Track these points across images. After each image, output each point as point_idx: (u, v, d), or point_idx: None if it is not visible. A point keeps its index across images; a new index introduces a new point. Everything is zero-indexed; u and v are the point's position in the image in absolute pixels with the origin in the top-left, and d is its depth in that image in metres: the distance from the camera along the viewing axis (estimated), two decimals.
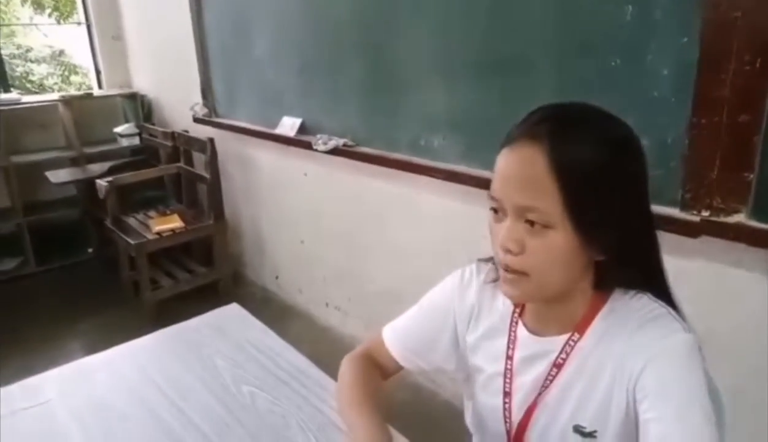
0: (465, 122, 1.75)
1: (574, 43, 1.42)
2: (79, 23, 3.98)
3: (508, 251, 0.69)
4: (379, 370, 0.97)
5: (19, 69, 5.03)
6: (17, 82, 3.76)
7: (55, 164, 3.44)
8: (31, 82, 5.66)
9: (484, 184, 1.62)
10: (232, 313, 1.33)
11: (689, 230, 1.23)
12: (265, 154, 2.82)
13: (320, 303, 2.73)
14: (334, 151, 2.22)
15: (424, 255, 2.07)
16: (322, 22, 2.20)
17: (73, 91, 3.74)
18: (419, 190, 2.00)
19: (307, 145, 2.33)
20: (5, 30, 3.67)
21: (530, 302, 0.79)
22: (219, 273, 3.09)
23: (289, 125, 2.47)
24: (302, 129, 2.42)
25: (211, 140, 2.90)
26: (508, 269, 0.70)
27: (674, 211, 1.26)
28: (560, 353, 0.75)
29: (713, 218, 1.21)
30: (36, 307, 3.18)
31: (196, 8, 2.90)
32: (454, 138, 1.80)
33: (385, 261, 2.29)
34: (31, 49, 5.75)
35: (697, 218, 1.23)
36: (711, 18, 1.14)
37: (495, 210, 0.71)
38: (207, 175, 2.94)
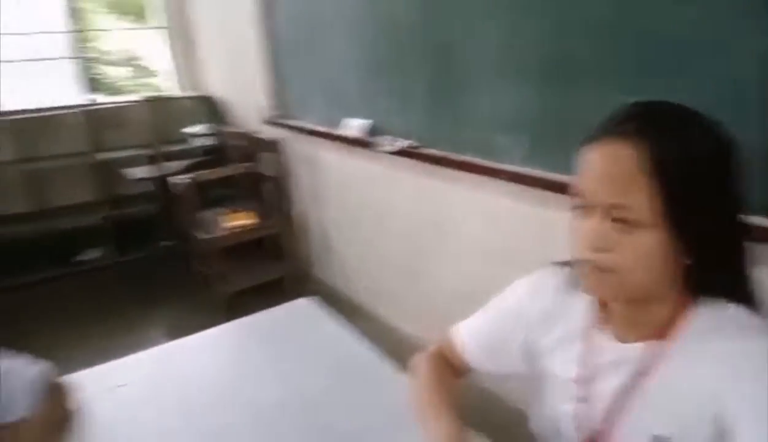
0: (532, 124, 1.72)
1: (649, 42, 1.37)
2: (155, 28, 4.20)
3: (595, 249, 0.68)
4: (451, 370, 0.98)
5: (99, 72, 5.36)
6: (97, 85, 4.00)
7: (134, 162, 3.66)
8: (108, 84, 6.03)
9: (550, 186, 1.62)
10: (305, 306, 1.37)
11: None
12: (331, 155, 2.88)
13: (386, 303, 2.76)
14: (400, 153, 2.24)
15: (490, 257, 2.06)
16: (390, 24, 2.22)
17: (149, 93, 3.94)
18: (485, 192, 1.99)
19: (373, 147, 2.37)
20: (90, 35, 3.92)
21: (614, 300, 0.76)
22: (285, 270, 3.19)
23: (355, 126, 2.52)
24: (368, 130, 2.46)
25: (280, 141, 2.99)
26: (593, 266, 0.69)
27: (761, 220, 1.20)
28: (644, 360, 0.72)
29: None
30: (116, 294, 3.39)
31: (266, 13, 3.01)
32: (520, 139, 1.77)
33: (451, 262, 2.29)
34: (110, 52, 6.13)
35: None
36: None
37: (579, 208, 0.70)
38: (275, 175, 3.04)
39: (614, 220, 0.66)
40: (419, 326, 2.53)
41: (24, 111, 3.45)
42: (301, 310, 1.39)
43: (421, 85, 2.14)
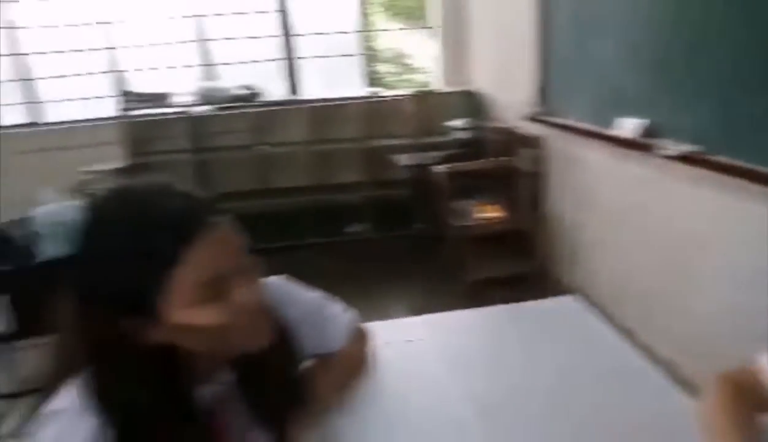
0: None
1: None
2: (427, 28, 4.53)
3: None
4: (753, 401, 0.88)
5: (376, 68, 6.00)
6: (373, 79, 4.51)
7: (399, 150, 4.04)
8: (378, 79, 6.74)
9: None
10: (568, 303, 1.36)
11: None
12: (594, 156, 2.78)
13: (636, 318, 2.57)
14: (680, 158, 2.05)
15: None
16: (681, 15, 2.03)
17: (415, 88, 4.29)
18: None
19: (648, 149, 2.21)
20: (370, 35, 4.43)
21: None
22: (530, 267, 3.19)
23: (628, 126, 2.38)
24: (644, 131, 2.30)
25: (540, 138, 2.99)
26: None
27: None
28: None
29: None
30: (372, 265, 3.80)
31: (544, 12, 3.01)
32: None
33: (726, 289, 2.02)
34: (382, 50, 6.84)
35: None
36: None
37: None
38: (532, 172, 3.05)
39: None
40: (674, 349, 2.29)
41: (319, 100, 4.07)
42: (567, 306, 1.37)
43: (715, 83, 1.91)
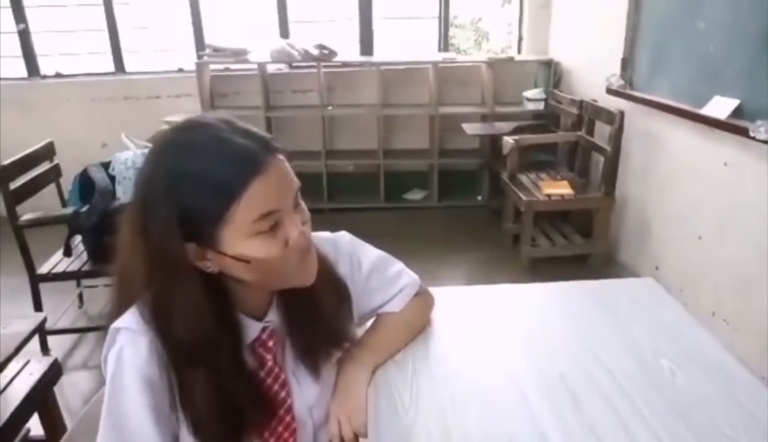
0: None
1: None
2: None
3: None
4: None
5: (453, 33, 5.84)
6: (449, 45, 4.38)
7: (468, 118, 3.93)
8: (455, 45, 6.56)
9: None
10: (647, 286, 1.29)
11: None
12: (678, 135, 2.59)
13: (704, 310, 2.42)
14: None
15: None
16: None
17: (491, 56, 4.12)
18: None
19: (740, 131, 2.03)
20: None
21: None
22: (594, 248, 3.06)
23: (721, 106, 2.19)
24: (737, 112, 2.12)
25: (621, 113, 2.82)
26: None
27: None
28: None
29: None
30: (431, 234, 3.77)
31: None
32: None
33: None
34: (457, 16, 6.63)
35: None
36: None
37: None
38: (607, 148, 2.89)
39: None
40: (745, 346, 2.14)
41: (391, 63, 4.00)
42: (645, 289, 1.28)
43: None
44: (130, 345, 0.75)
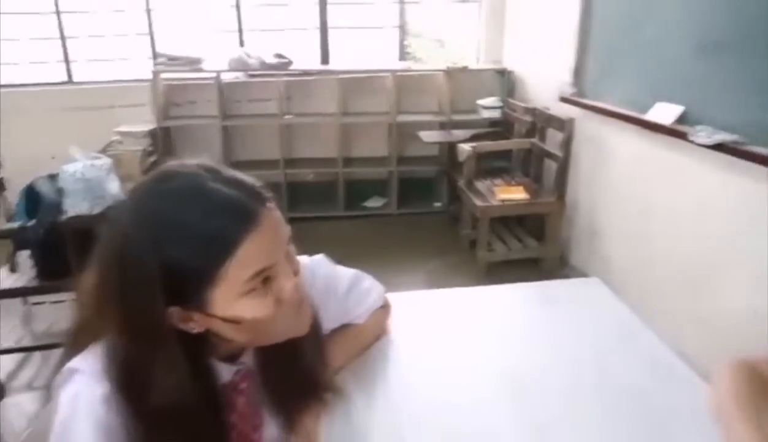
0: None
1: None
2: (465, 2, 4.41)
3: None
4: (763, 388, 0.86)
5: (409, 42, 5.91)
6: (405, 53, 4.43)
7: (426, 126, 3.98)
8: (412, 53, 6.64)
9: None
10: (591, 286, 1.33)
11: None
12: (626, 140, 2.69)
13: (651, 308, 2.50)
14: (717, 147, 1.96)
15: None
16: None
17: (449, 64, 4.19)
18: None
19: (682, 136, 2.13)
20: (406, 7, 4.33)
21: None
22: (547, 251, 3.14)
23: (664, 112, 2.29)
24: (681, 118, 2.22)
25: (571, 120, 2.91)
26: None
27: None
28: None
29: None
30: (391, 241, 3.79)
31: None
32: None
33: (751, 280, 1.95)
34: (417, 24, 6.71)
35: None
36: None
37: None
38: (559, 154, 2.98)
39: None
40: (692, 341, 2.23)
41: (349, 71, 4.02)
42: (589, 289, 1.33)
43: (759, 71, 1.82)
44: (87, 390, 0.68)
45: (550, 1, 3.38)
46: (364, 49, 4.41)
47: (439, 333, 1.16)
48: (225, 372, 0.77)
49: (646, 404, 0.92)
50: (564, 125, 2.93)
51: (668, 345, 1.08)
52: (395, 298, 1.17)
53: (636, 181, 2.64)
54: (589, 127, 2.96)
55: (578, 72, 3.03)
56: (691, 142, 2.06)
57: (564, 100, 3.08)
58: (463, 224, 3.45)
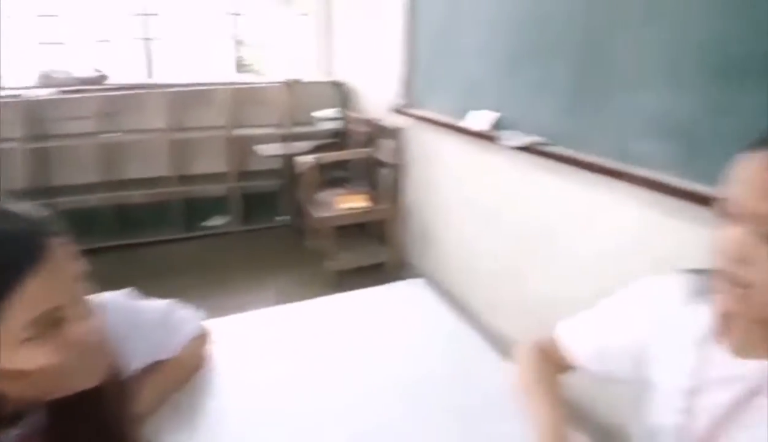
0: (686, 128, 1.58)
1: None
2: (301, 15, 4.43)
3: (735, 261, 0.64)
4: (555, 364, 0.96)
5: (244, 53, 5.80)
6: (243, 65, 4.34)
7: (266, 139, 3.90)
8: (248, 65, 6.53)
9: (694, 198, 1.48)
10: (417, 287, 1.38)
11: None
12: (451, 146, 2.87)
13: (480, 298, 2.71)
14: (525, 149, 2.18)
15: (607, 266, 1.94)
16: (534, 17, 2.16)
17: (287, 76, 4.17)
18: (613, 197, 1.88)
19: (496, 140, 2.32)
20: (240, 18, 4.23)
21: (747, 317, 0.71)
22: (389, 255, 3.24)
23: (480, 119, 2.49)
24: (494, 124, 2.42)
25: (401, 129, 3.04)
26: (730, 279, 0.65)
27: None
28: (759, 379, 0.69)
29: None
30: (235, 259, 3.65)
31: (410, 4, 3.05)
32: (668, 145, 1.64)
33: (561, 266, 2.19)
34: (255, 35, 6.63)
35: None
36: None
37: (725, 217, 0.67)
38: (393, 162, 3.09)
39: (763, 233, 0.62)
40: (519, 325, 2.45)
41: (179, 85, 3.80)
42: (411, 290, 1.39)
43: (558, 81, 2.06)
44: None
45: (376, 16, 3.52)
46: (198, 61, 4.22)
47: (269, 352, 1.13)
48: (8, 437, 0.65)
49: (463, 393, 0.98)
50: (394, 135, 3.05)
51: (483, 334, 1.16)
52: (244, 318, 1.15)
53: (461, 183, 2.83)
54: (418, 136, 3.12)
55: (407, 84, 3.18)
56: (503, 145, 2.26)
57: (394, 110, 3.22)
58: (308, 236, 3.44)
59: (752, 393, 0.69)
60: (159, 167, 3.86)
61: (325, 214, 3.04)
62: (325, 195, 3.31)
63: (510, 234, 2.49)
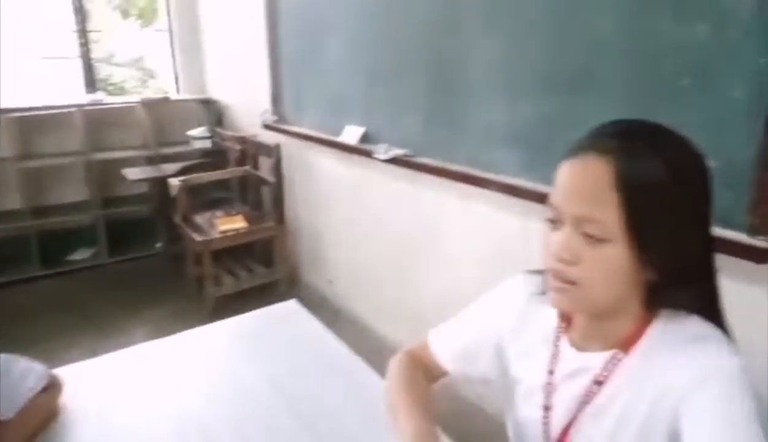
0: (526, 136, 1.76)
1: (643, 61, 1.41)
2: (160, 31, 4.24)
3: (560, 260, 0.70)
4: (425, 373, 0.99)
5: (104, 72, 5.41)
6: (101, 85, 4.05)
7: (132, 162, 3.67)
8: (113, 84, 6.09)
9: (541, 198, 1.63)
10: (290, 309, 1.39)
11: (755, 255, 1.19)
12: (326, 161, 2.91)
13: (373, 308, 2.78)
14: (394, 161, 2.27)
15: (476, 265, 2.08)
16: (390, 35, 2.26)
17: (151, 95, 3.97)
18: (475, 201, 2.02)
19: (368, 154, 2.40)
20: (94, 36, 3.95)
21: (577, 312, 0.78)
22: (277, 274, 3.20)
23: (352, 134, 2.55)
24: (365, 138, 2.49)
25: (277, 146, 3.02)
26: (558, 278, 0.71)
27: (741, 236, 1.23)
28: (602, 370, 0.74)
29: None
30: (106, 295, 3.38)
31: (271, 19, 3.04)
32: (513, 152, 1.81)
33: (438, 269, 2.31)
34: (114, 54, 6.20)
35: (764, 244, 1.19)
36: None
37: (552, 221, 0.72)
38: (272, 179, 3.06)
39: (583, 233, 0.68)
40: (406, 332, 2.54)
41: (25, 109, 3.46)
42: (288, 312, 1.40)
43: (417, 95, 2.17)
44: None
45: (241, 32, 3.47)
46: (44, 83, 3.87)
47: (137, 392, 1.08)
48: None
49: (335, 413, 0.99)
50: (271, 151, 3.02)
51: (353, 352, 1.19)
52: (111, 359, 1.11)
53: (342, 196, 2.88)
54: (295, 151, 3.12)
55: (276, 101, 3.17)
56: (374, 158, 2.34)
57: (267, 127, 3.19)
58: (187, 263, 3.29)
59: (597, 384, 0.74)
60: (10, 199, 3.48)
61: (204, 237, 2.93)
62: (203, 217, 3.19)
63: (391, 243, 2.57)
